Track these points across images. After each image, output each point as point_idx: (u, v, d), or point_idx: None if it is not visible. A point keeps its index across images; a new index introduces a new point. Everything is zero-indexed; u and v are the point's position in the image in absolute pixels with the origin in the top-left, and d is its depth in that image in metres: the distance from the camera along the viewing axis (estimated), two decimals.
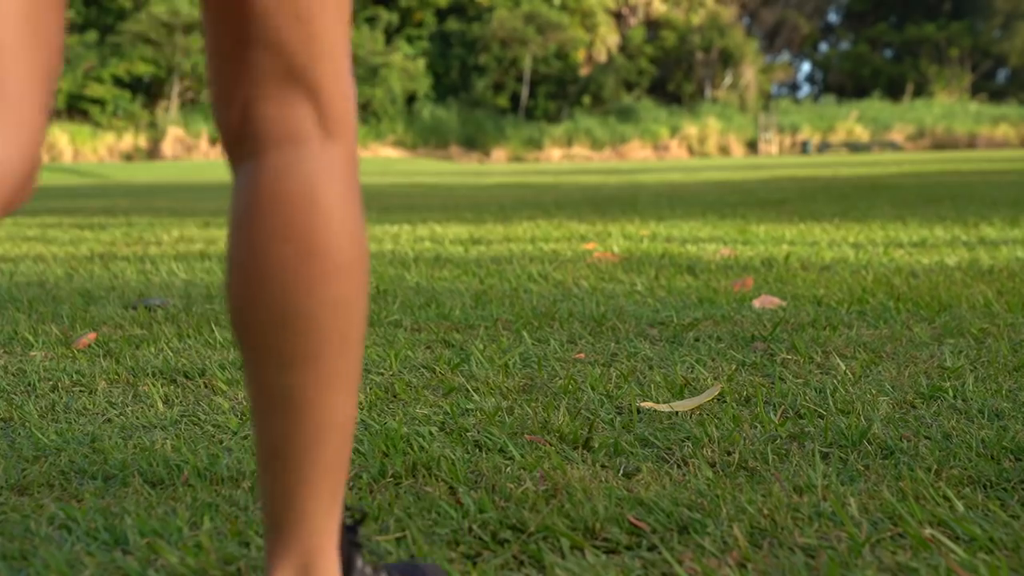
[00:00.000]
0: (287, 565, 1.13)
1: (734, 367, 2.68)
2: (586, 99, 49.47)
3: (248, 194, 1.08)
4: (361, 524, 1.25)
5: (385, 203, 11.70)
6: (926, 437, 2.01)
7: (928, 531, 1.51)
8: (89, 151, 40.54)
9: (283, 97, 1.09)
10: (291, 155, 1.08)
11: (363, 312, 1.10)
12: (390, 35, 48.69)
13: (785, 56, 66.91)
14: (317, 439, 1.10)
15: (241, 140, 1.11)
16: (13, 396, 2.55)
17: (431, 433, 2.11)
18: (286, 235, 1.06)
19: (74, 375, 2.73)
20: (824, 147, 46.19)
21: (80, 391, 2.58)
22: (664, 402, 2.33)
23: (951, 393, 2.33)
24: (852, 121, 48.46)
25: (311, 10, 1.07)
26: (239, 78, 1.10)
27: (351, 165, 1.12)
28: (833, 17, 69.36)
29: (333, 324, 1.07)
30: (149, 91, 44.55)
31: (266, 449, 1.11)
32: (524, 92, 49.32)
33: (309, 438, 1.10)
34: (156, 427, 2.23)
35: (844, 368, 2.62)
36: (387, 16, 49.20)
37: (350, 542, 1.21)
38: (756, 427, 2.11)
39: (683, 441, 2.03)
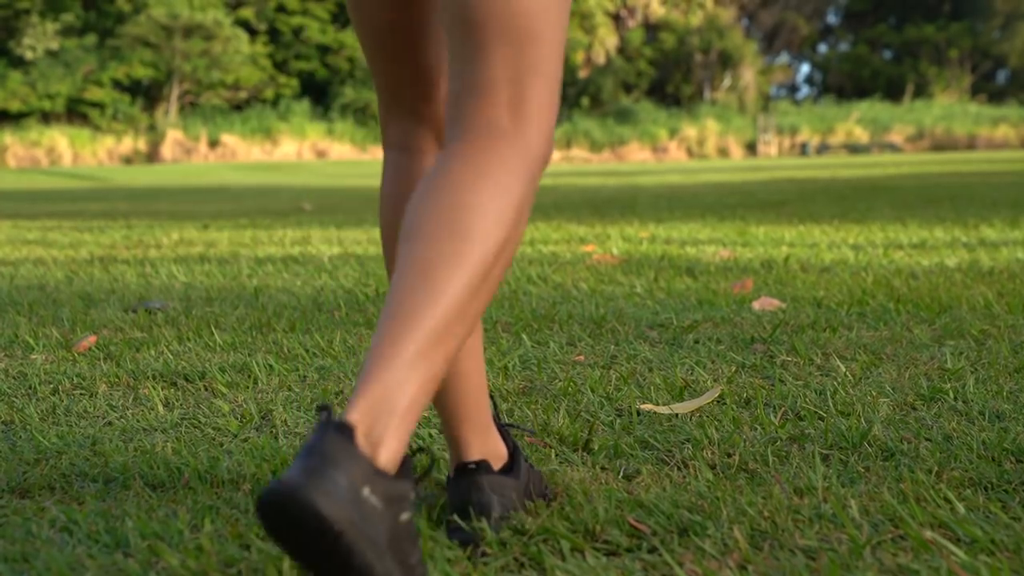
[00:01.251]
0: (367, 398, 1.24)
1: (734, 369, 2.68)
2: (585, 101, 49.45)
3: (452, 163, 1.36)
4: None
5: None
6: (927, 439, 2.01)
7: (929, 533, 1.51)
8: (88, 154, 40.51)
9: (491, 107, 1.37)
10: (486, 149, 1.36)
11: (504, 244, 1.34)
12: None
13: (784, 57, 66.93)
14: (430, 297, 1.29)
15: (448, 130, 1.40)
16: (14, 399, 2.55)
17: (431, 435, 2.11)
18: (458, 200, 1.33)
19: (74, 378, 2.73)
20: (823, 148, 46.17)
21: (81, 394, 2.58)
22: (664, 404, 2.33)
23: (952, 395, 2.33)
24: (851, 122, 48.44)
25: (525, 30, 1.36)
26: (458, 82, 1.38)
27: (535, 164, 1.39)
28: (832, 18, 69.37)
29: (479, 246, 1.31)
30: (148, 94, 44.54)
31: (398, 301, 1.30)
32: None
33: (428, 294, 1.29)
34: (156, 430, 2.23)
35: (844, 370, 2.62)
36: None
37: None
38: (756, 429, 2.11)
39: (683, 443, 2.03)
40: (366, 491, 1.18)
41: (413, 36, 1.53)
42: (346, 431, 1.20)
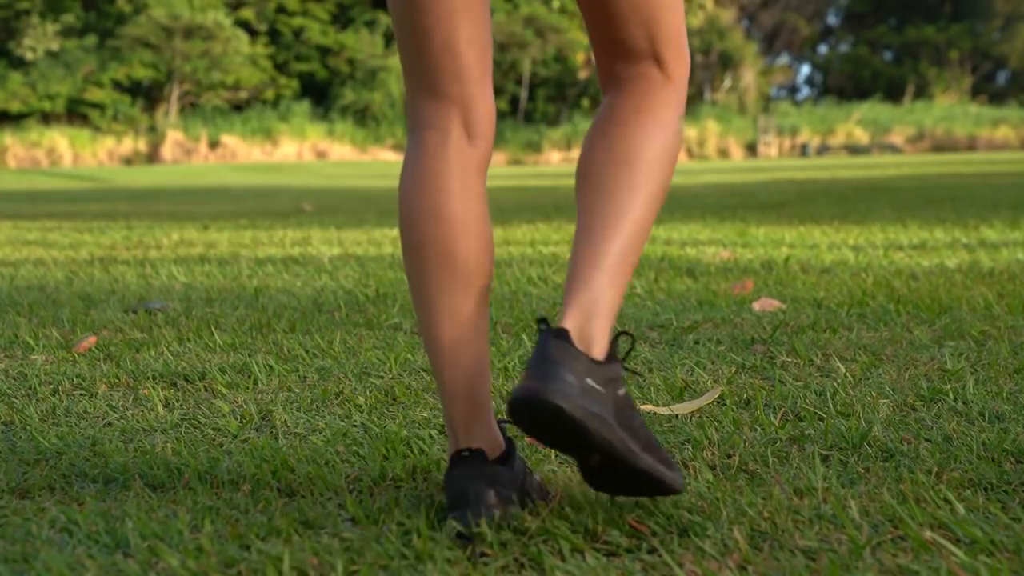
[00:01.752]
0: (575, 308, 1.56)
1: (734, 370, 2.68)
2: (585, 102, 49.46)
3: (612, 111, 1.71)
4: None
5: (384, 206, 11.70)
6: (927, 439, 2.01)
7: (929, 533, 1.51)
8: (89, 155, 40.49)
9: (642, 59, 1.70)
10: (642, 93, 1.71)
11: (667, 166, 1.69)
12: (389, 39, 48.73)
13: (784, 58, 66.92)
14: (622, 221, 1.62)
15: (609, 86, 1.73)
16: (14, 399, 2.55)
17: (431, 436, 2.11)
18: (631, 136, 1.68)
19: (74, 379, 2.73)
20: (824, 149, 46.14)
21: (80, 395, 2.58)
22: (664, 405, 2.33)
23: (951, 395, 2.33)
24: (852, 123, 48.40)
25: (654, 12, 1.68)
26: (615, 51, 1.71)
27: (681, 98, 1.74)
28: (832, 19, 69.36)
29: (648, 173, 1.66)
30: (148, 95, 44.53)
31: (589, 225, 1.63)
32: (523, 95, 49.30)
33: (619, 219, 1.62)
34: (156, 430, 2.23)
35: (844, 371, 2.62)
36: (386, 20, 49.29)
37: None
38: (756, 430, 2.11)
39: (683, 444, 2.03)
40: (589, 380, 1.49)
41: (461, 19, 1.63)
42: (564, 335, 1.51)
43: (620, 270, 1.60)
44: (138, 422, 2.30)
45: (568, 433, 1.47)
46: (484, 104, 1.67)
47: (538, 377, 1.46)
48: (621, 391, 1.55)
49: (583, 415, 1.45)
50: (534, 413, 1.46)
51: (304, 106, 45.06)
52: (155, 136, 42.65)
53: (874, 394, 2.37)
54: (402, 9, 1.65)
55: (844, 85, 61.10)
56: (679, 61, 1.73)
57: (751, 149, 47.06)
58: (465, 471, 1.58)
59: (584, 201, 1.65)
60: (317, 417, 2.31)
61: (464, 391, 1.62)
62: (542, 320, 1.54)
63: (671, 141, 1.69)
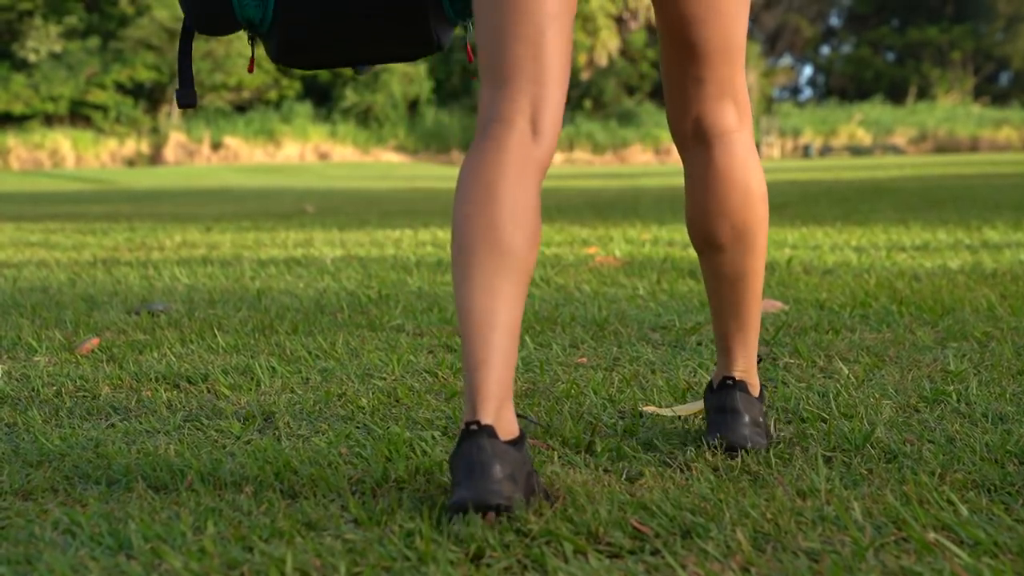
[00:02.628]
0: (738, 362, 2.02)
1: None
2: (587, 103, 49.41)
3: (705, 167, 1.92)
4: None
5: (386, 208, 11.71)
6: (929, 441, 2.00)
7: (932, 535, 1.51)
8: (91, 157, 40.48)
9: (721, 107, 1.91)
10: (727, 142, 1.92)
11: (765, 223, 1.96)
12: None
13: (787, 59, 66.88)
14: (752, 293, 1.98)
15: (694, 135, 1.93)
16: (17, 401, 2.55)
17: (434, 438, 2.11)
18: (733, 186, 1.92)
19: (77, 380, 2.73)
20: (826, 150, 46.08)
21: (83, 396, 2.59)
22: (667, 406, 2.33)
23: (955, 397, 2.33)
24: (854, 124, 48.33)
25: (737, 50, 1.89)
26: (693, 96, 1.91)
27: (752, 138, 1.95)
28: (835, 20, 69.31)
29: (759, 230, 1.94)
30: (151, 96, 44.53)
31: (724, 305, 1.99)
32: None
33: (749, 293, 1.98)
34: (159, 432, 2.23)
35: (847, 372, 2.62)
36: None
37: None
38: None
39: (685, 445, 2.03)
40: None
41: (549, 26, 1.71)
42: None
43: (756, 320, 2.05)
44: (141, 423, 2.30)
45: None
46: (554, 106, 1.72)
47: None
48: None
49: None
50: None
51: (306, 107, 45.03)
52: (158, 137, 42.65)
53: (877, 395, 2.37)
54: (492, 10, 1.71)
55: (846, 86, 61.04)
56: (747, 106, 1.94)
57: None
58: (475, 443, 1.58)
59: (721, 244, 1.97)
60: (320, 419, 2.31)
61: (491, 366, 1.61)
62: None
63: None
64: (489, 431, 1.59)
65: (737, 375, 2.01)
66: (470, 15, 1.89)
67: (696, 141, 1.93)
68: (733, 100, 1.92)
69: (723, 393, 1.99)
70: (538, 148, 1.71)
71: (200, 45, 42.57)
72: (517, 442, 1.63)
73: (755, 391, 2.03)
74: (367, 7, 1.85)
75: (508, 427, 1.63)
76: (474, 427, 1.59)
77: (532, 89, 1.71)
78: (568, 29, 1.74)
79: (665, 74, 1.95)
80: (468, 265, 1.65)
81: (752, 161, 1.92)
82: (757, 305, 2.01)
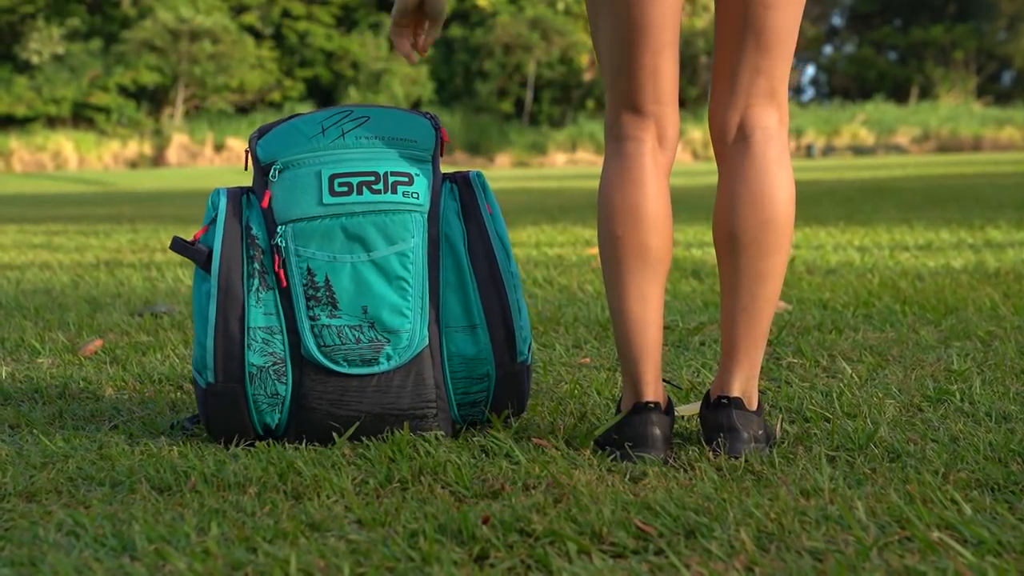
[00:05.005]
0: (740, 374, 2.00)
1: None
2: (590, 104, 49.44)
3: (743, 162, 1.98)
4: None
5: None
6: (933, 440, 2.00)
7: (936, 534, 1.50)
8: (94, 159, 40.50)
9: (767, 107, 1.99)
10: (768, 142, 1.98)
11: (791, 225, 2.01)
12: (391, 41, 48.75)
13: None
14: (768, 300, 1.99)
15: (739, 131, 2.00)
16: (20, 403, 2.55)
17: (437, 439, 2.11)
18: (769, 183, 1.98)
19: (81, 382, 2.73)
20: (829, 150, 46.05)
21: (87, 398, 2.59)
22: None
23: (958, 396, 2.33)
24: (857, 124, 48.30)
25: (792, 45, 1.97)
26: (746, 89, 1.98)
27: (787, 141, 2.01)
28: (837, 20, 69.29)
29: (784, 231, 1.98)
30: (154, 98, 44.57)
31: (738, 307, 1.99)
32: (528, 97, 49.30)
33: (765, 300, 1.99)
34: (163, 433, 2.24)
35: (850, 371, 2.62)
36: (388, 22, 49.00)
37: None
38: None
39: (689, 445, 2.03)
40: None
41: (667, 52, 1.97)
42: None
43: (765, 332, 2.04)
44: (144, 425, 2.30)
45: None
46: (674, 119, 2.00)
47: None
48: None
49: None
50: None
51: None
52: (160, 139, 42.67)
53: (880, 395, 2.37)
54: (616, 40, 1.96)
55: (849, 86, 61.03)
56: (787, 109, 2.03)
57: None
58: (646, 417, 1.95)
59: (737, 237, 2.00)
60: None
61: (649, 356, 1.97)
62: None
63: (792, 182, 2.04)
64: (655, 406, 1.97)
65: (734, 392, 1.99)
66: (480, 415, 2.19)
67: (739, 137, 2.00)
68: (778, 101, 2.00)
69: (719, 411, 1.99)
70: (664, 155, 2.00)
71: (202, 48, 42.62)
72: (668, 408, 2.02)
73: (752, 405, 2.01)
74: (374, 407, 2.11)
75: (664, 396, 2.02)
76: (646, 405, 1.97)
77: (655, 109, 1.98)
78: (677, 51, 1.98)
79: (719, 68, 2.02)
80: (622, 281, 1.97)
81: (787, 162, 1.99)
82: (770, 312, 2.00)
